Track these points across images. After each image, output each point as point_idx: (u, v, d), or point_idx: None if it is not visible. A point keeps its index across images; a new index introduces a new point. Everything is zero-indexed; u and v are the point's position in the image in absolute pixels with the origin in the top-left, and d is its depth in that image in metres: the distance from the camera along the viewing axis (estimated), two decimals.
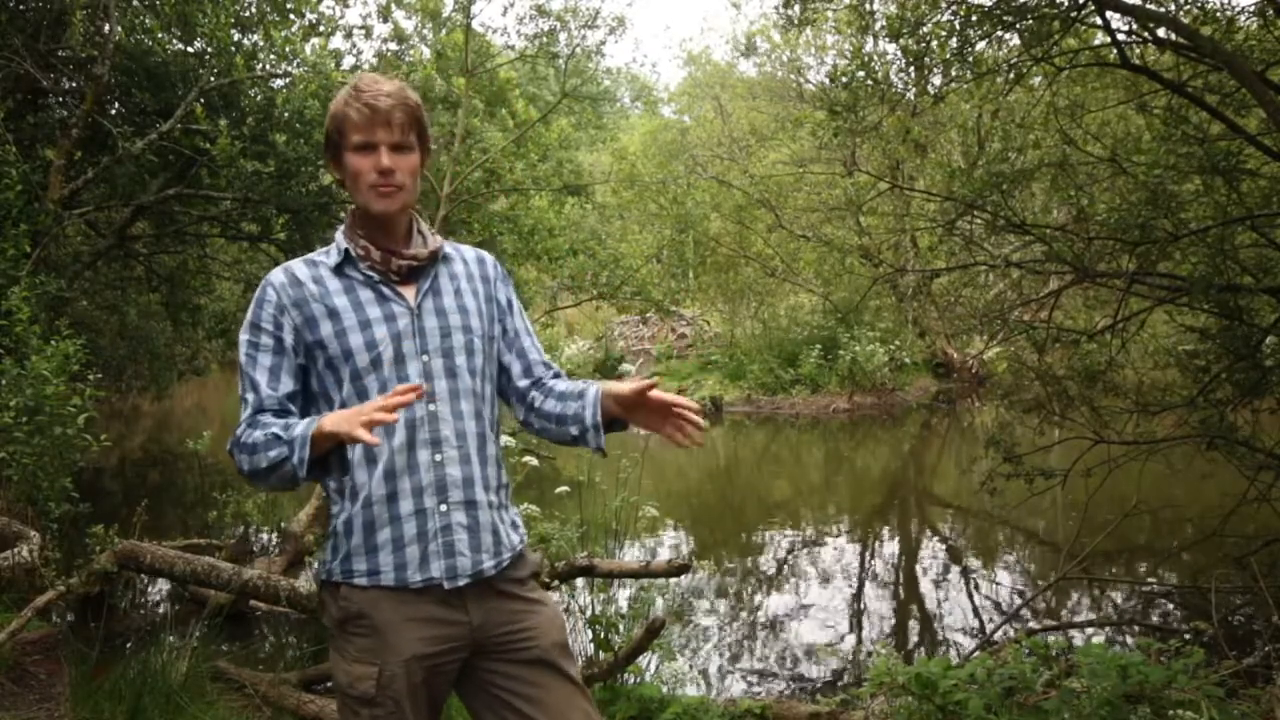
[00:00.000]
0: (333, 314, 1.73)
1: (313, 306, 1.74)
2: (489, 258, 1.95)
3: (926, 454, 12.84)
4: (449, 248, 1.87)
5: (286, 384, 1.73)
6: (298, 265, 1.79)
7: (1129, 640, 5.31)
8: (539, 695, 1.73)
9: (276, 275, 1.77)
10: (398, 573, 1.69)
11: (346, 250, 1.77)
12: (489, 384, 1.85)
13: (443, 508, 1.72)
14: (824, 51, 18.72)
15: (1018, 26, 5.51)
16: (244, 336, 1.75)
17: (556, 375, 1.95)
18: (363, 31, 11.33)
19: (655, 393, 1.75)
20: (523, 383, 1.92)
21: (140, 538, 4.98)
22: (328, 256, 1.80)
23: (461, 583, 1.72)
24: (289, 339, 1.73)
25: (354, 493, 1.72)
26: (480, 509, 1.76)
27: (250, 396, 1.73)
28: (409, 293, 1.77)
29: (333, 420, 1.56)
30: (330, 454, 1.63)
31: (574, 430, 1.83)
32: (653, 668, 4.27)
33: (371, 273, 1.76)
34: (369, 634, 1.69)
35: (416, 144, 1.76)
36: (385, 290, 1.76)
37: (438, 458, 1.73)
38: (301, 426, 1.61)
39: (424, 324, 1.76)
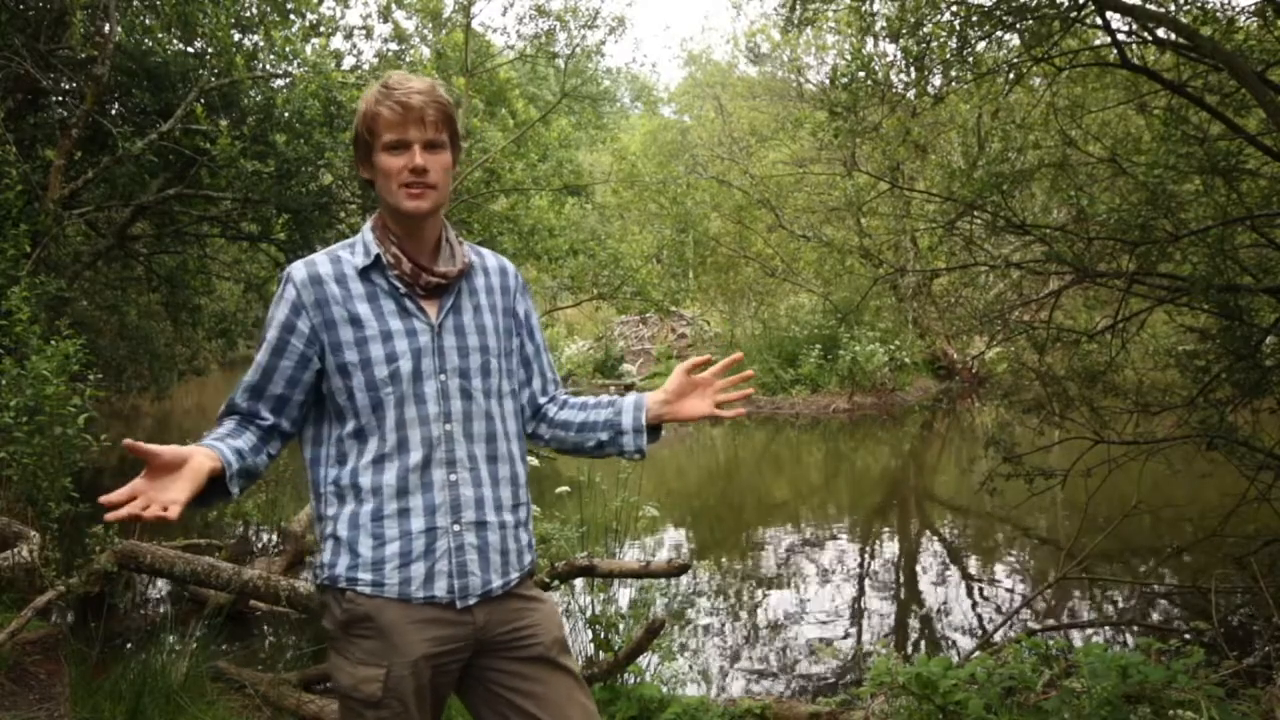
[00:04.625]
0: (355, 320, 1.71)
1: (334, 309, 1.71)
2: (510, 268, 1.93)
3: (926, 454, 12.84)
4: (472, 254, 1.85)
5: (276, 387, 1.73)
6: (321, 261, 1.75)
7: (1129, 640, 5.32)
8: (539, 691, 1.74)
9: (299, 271, 1.73)
10: (401, 587, 1.69)
11: (377, 255, 1.74)
12: (504, 402, 1.83)
13: (455, 527, 1.72)
14: (824, 51, 18.72)
15: (1018, 27, 5.52)
16: (264, 331, 1.76)
17: (566, 396, 2.00)
18: (363, 32, 11.29)
19: (700, 374, 1.89)
20: (541, 400, 1.94)
21: (140, 538, 4.98)
22: (353, 254, 1.76)
23: (471, 601, 1.73)
24: (299, 342, 1.71)
25: (360, 498, 1.70)
26: (490, 530, 1.76)
27: (236, 390, 1.77)
28: (431, 309, 1.76)
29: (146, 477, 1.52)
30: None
31: (603, 435, 1.90)
32: (653, 668, 4.27)
33: (398, 283, 1.74)
34: (375, 636, 1.68)
35: (448, 143, 1.74)
36: (409, 304, 1.74)
37: (452, 477, 1.73)
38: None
39: (443, 343, 1.75)
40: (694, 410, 1.88)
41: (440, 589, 1.70)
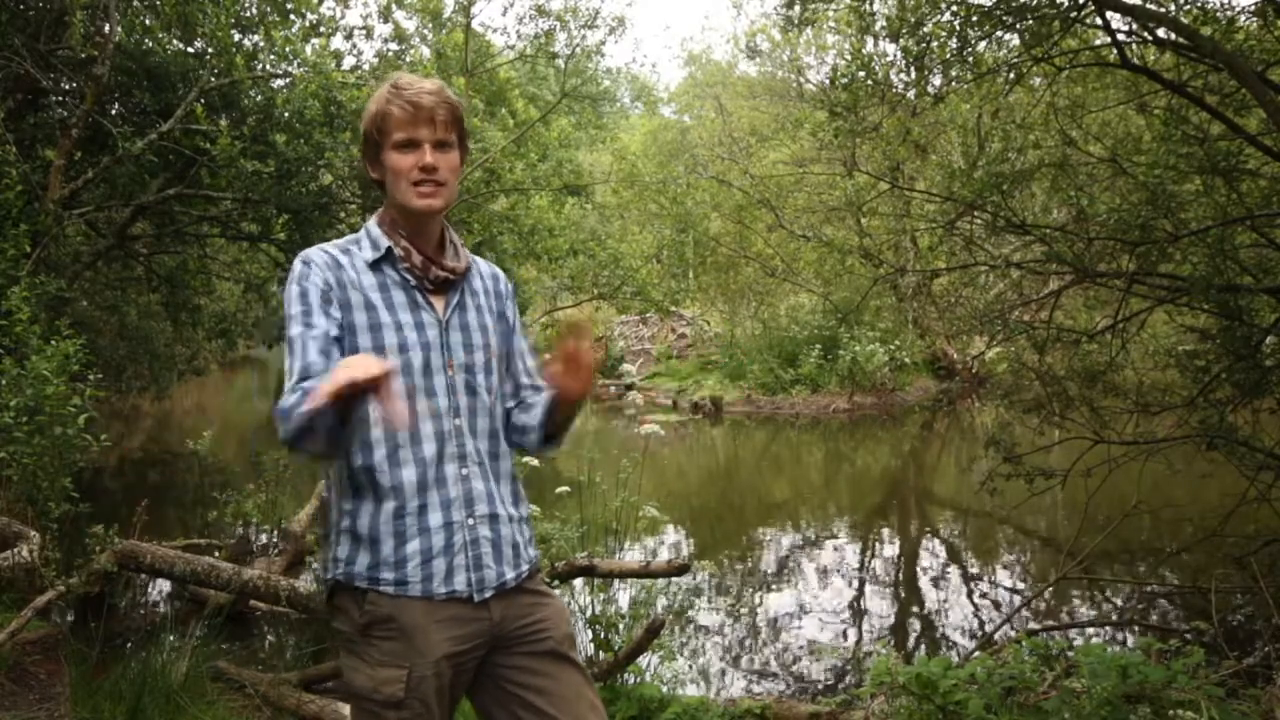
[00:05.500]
0: (369, 306, 1.72)
1: (350, 292, 1.72)
2: (501, 274, 1.96)
3: (926, 454, 12.84)
4: (470, 259, 1.87)
5: (336, 355, 1.66)
6: (332, 249, 1.76)
7: (1129, 640, 5.32)
8: (548, 686, 1.75)
9: (316, 254, 1.74)
10: (424, 584, 1.69)
11: (389, 248, 1.75)
12: (503, 401, 1.87)
13: (470, 521, 1.74)
14: (824, 51, 18.75)
15: (1018, 26, 5.51)
16: (294, 309, 1.69)
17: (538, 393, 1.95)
18: (363, 32, 11.29)
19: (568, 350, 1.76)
20: (509, 403, 1.93)
21: (140, 538, 4.98)
22: (360, 248, 1.77)
23: (488, 594, 1.74)
24: (335, 313, 1.70)
25: (379, 496, 1.70)
26: (501, 523, 1.78)
27: (297, 364, 1.65)
28: (439, 304, 1.78)
29: (344, 363, 1.48)
30: (353, 403, 1.53)
31: (533, 437, 1.88)
32: (653, 668, 4.27)
33: (409, 276, 1.75)
34: (397, 637, 1.68)
35: (457, 143, 1.76)
36: (419, 297, 1.75)
37: (464, 472, 1.74)
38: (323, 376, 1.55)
39: (450, 338, 1.76)
40: (568, 391, 1.79)
41: (460, 583, 1.71)
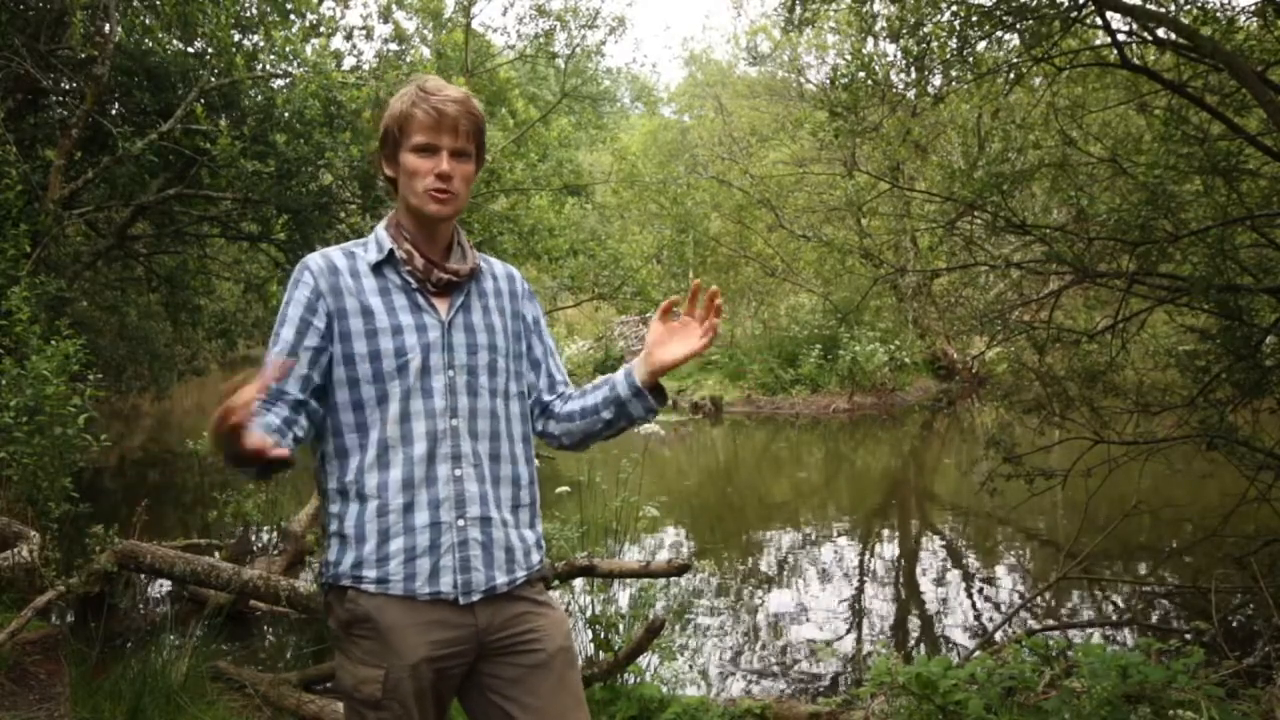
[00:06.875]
0: (365, 311, 1.73)
1: (346, 299, 1.73)
2: (517, 275, 1.96)
3: (926, 454, 12.84)
4: (481, 261, 1.88)
5: (302, 368, 1.70)
6: (335, 254, 1.79)
7: (1129, 640, 5.32)
8: (531, 702, 1.72)
9: (315, 260, 1.77)
10: (406, 583, 1.69)
11: (391, 250, 1.77)
12: (511, 403, 1.85)
13: (460, 522, 1.72)
14: (824, 51, 18.73)
15: (1018, 27, 5.51)
16: (278, 320, 1.75)
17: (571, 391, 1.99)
18: (363, 32, 11.26)
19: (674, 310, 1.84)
20: (547, 397, 1.93)
21: (140, 538, 4.98)
22: (366, 251, 1.80)
23: (475, 598, 1.72)
24: (319, 323, 1.72)
25: (363, 497, 1.70)
26: (495, 526, 1.76)
27: None
28: (442, 306, 1.78)
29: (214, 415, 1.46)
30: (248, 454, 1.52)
31: (607, 414, 1.87)
32: (653, 668, 4.27)
33: (410, 279, 1.77)
34: (374, 637, 1.68)
35: (474, 154, 1.78)
36: (420, 299, 1.76)
37: (457, 473, 1.73)
38: None
39: (452, 339, 1.77)
40: (678, 353, 1.82)
41: (445, 584, 1.70)
